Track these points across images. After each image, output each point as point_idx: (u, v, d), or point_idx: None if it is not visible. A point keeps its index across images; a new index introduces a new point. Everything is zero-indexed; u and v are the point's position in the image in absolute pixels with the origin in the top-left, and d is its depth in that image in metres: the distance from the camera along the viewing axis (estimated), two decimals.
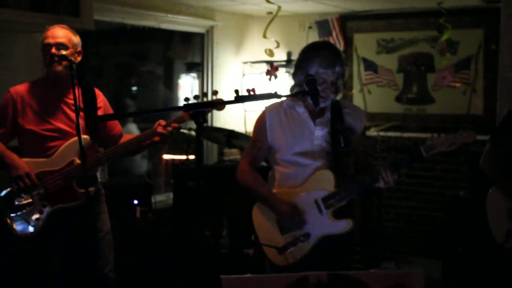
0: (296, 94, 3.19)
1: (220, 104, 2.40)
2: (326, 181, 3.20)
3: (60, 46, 3.47)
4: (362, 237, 5.82)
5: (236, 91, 2.46)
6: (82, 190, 3.48)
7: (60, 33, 3.51)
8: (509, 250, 3.81)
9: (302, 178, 3.25)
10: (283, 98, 3.31)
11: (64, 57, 3.40)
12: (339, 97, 3.32)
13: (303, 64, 3.21)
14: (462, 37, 6.23)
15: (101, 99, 3.71)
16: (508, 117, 4.02)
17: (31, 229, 3.43)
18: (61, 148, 3.50)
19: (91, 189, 3.53)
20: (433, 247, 6.17)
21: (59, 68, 3.45)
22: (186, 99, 3.22)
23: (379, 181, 3.12)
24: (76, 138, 3.48)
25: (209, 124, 6.80)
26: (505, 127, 4.01)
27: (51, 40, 3.48)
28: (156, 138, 3.53)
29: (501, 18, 5.44)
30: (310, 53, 3.22)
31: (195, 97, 3.23)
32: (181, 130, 5.86)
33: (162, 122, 3.51)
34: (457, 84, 6.35)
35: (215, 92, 3.36)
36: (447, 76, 6.36)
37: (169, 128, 3.49)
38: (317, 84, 3.09)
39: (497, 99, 5.80)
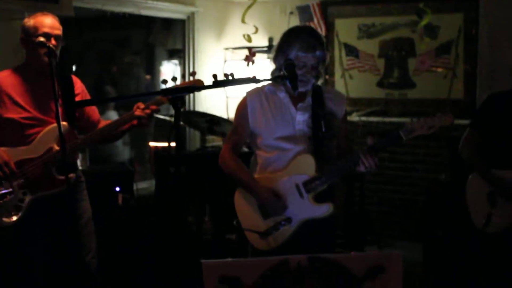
0: (274, 78, 3.20)
1: (198, 89, 2.39)
2: (307, 165, 3.21)
3: (58, 38, 3.45)
4: (345, 221, 5.85)
5: (214, 76, 2.45)
6: (62, 177, 3.47)
7: (57, 24, 3.48)
8: (488, 234, 3.85)
9: (284, 162, 3.26)
10: (265, 83, 3.31)
11: (53, 51, 3.38)
12: (320, 82, 3.33)
13: (283, 48, 3.21)
14: (442, 21, 6.24)
15: (79, 86, 3.69)
16: (487, 101, 4.05)
17: (12, 218, 3.42)
18: (40, 135, 3.48)
19: (71, 175, 3.52)
20: (415, 231, 6.22)
21: (47, 59, 3.40)
22: (164, 81, 3.21)
23: (359, 165, 3.14)
24: (53, 125, 3.46)
25: (191, 110, 6.79)
26: (485, 111, 4.04)
27: (49, 30, 3.43)
28: (134, 122, 3.50)
29: (480, 3, 5.47)
30: (290, 36, 3.23)
31: (173, 79, 3.22)
32: (164, 117, 5.87)
33: (141, 105, 3.48)
34: (438, 69, 6.38)
35: (193, 73, 3.35)
36: (426, 61, 6.39)
37: (147, 111, 3.45)
38: (297, 67, 3.10)
39: (477, 83, 5.84)
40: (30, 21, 3.46)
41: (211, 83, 2.38)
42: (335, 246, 3.80)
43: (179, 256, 4.19)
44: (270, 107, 3.30)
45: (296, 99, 3.28)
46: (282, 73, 3.04)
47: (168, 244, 5.06)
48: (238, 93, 6.37)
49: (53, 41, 3.42)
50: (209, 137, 6.81)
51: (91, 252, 3.71)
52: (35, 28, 3.43)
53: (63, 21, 3.61)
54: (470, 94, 6.14)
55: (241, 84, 2.49)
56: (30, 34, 3.44)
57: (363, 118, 6.33)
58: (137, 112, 3.45)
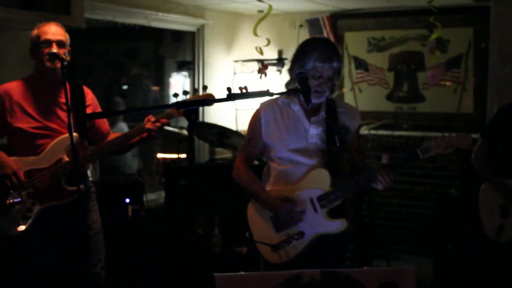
0: (288, 91, 3.18)
1: (212, 102, 2.38)
2: (322, 180, 3.19)
3: (60, 43, 3.47)
4: (353, 235, 5.83)
5: (229, 89, 2.45)
6: (71, 188, 3.47)
7: (59, 31, 3.52)
8: (500, 245, 3.85)
9: (297, 176, 3.24)
10: (278, 96, 3.30)
11: (57, 56, 3.39)
12: (334, 95, 3.31)
13: (300, 58, 3.18)
14: (452, 35, 6.25)
15: (90, 97, 3.70)
16: (498, 114, 4.06)
17: (20, 228, 3.42)
18: (49, 146, 3.49)
19: (81, 186, 3.52)
20: (424, 245, 6.20)
21: (58, 65, 3.43)
22: (175, 94, 3.22)
23: (376, 183, 3.13)
24: (63, 135, 3.48)
25: (201, 122, 6.78)
26: (496, 124, 4.05)
27: (51, 37, 3.47)
28: (144, 134, 3.50)
29: (491, 16, 5.47)
30: (308, 47, 3.19)
31: (184, 92, 3.23)
32: (172, 129, 5.87)
33: (152, 118, 3.48)
34: (448, 83, 6.38)
35: (205, 87, 3.36)
36: (436, 75, 6.38)
37: (158, 124, 3.46)
38: (314, 78, 3.09)
39: (487, 97, 5.83)
40: (34, 31, 3.52)
41: (224, 96, 2.38)
42: (345, 260, 3.77)
43: (188, 268, 4.18)
44: (283, 119, 3.28)
45: (310, 112, 3.26)
46: (295, 85, 3.03)
47: (177, 256, 5.05)
48: (248, 105, 6.37)
49: (54, 46, 3.45)
50: (218, 149, 6.81)
51: (100, 263, 3.70)
52: (38, 37, 3.49)
53: (73, 32, 3.63)
54: (479, 108, 6.14)
55: (255, 97, 2.49)
56: (34, 43, 3.50)
57: (373, 132, 6.32)
58: (148, 125, 3.46)
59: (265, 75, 5.66)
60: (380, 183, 3.10)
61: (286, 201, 3.21)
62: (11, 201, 3.42)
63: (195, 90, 3.39)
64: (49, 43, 3.46)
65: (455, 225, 5.16)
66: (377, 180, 3.10)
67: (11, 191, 3.42)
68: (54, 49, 3.43)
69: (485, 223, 3.94)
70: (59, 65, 3.41)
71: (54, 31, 3.50)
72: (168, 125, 3.51)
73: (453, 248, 5.15)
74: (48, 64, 3.46)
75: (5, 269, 3.58)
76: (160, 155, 6.28)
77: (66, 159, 3.47)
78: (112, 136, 3.70)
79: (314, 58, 3.12)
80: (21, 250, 3.51)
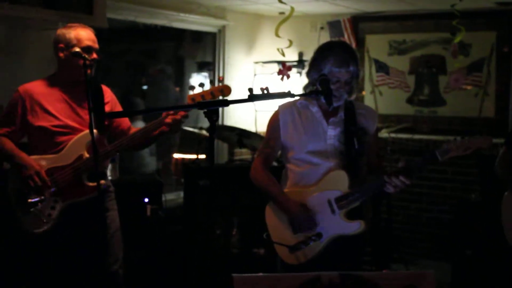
0: (309, 93, 3.19)
1: (233, 103, 2.37)
2: (340, 181, 3.20)
3: (98, 52, 3.51)
4: (371, 238, 5.80)
5: (250, 90, 2.45)
6: (92, 184, 3.48)
7: (95, 38, 3.54)
8: None
9: (315, 177, 3.25)
10: (297, 97, 3.31)
11: (93, 64, 3.44)
12: (352, 97, 3.31)
13: (317, 63, 3.21)
14: (475, 39, 6.20)
15: (108, 94, 3.72)
16: None
17: (44, 225, 3.44)
18: (70, 143, 3.51)
19: (102, 182, 3.53)
20: (442, 250, 6.15)
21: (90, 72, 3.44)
22: (191, 87, 3.22)
23: (386, 186, 3.11)
24: (83, 132, 3.50)
25: (220, 123, 6.79)
26: None
27: (92, 44, 3.50)
28: (164, 128, 3.50)
29: None
30: (324, 51, 3.23)
31: (200, 84, 3.24)
32: (192, 129, 5.88)
33: (170, 112, 3.49)
34: (469, 87, 6.33)
35: (220, 80, 3.37)
36: (459, 79, 6.33)
37: (177, 117, 3.47)
38: (331, 82, 3.09)
39: (509, 101, 5.78)
40: (70, 33, 3.49)
41: (246, 97, 2.38)
42: (362, 263, 3.77)
43: (206, 269, 4.19)
44: (302, 121, 3.29)
45: (328, 113, 3.27)
46: (316, 88, 3.03)
47: (195, 256, 5.06)
48: (267, 106, 6.37)
49: (94, 55, 3.47)
50: (237, 150, 6.81)
51: (118, 262, 3.71)
52: (78, 40, 3.47)
53: (95, 31, 3.65)
54: (501, 112, 6.08)
55: (276, 99, 2.49)
56: (72, 45, 3.47)
57: (393, 135, 6.28)
58: (167, 119, 3.45)
59: (288, 77, 5.64)
60: (389, 186, 3.09)
61: (304, 207, 3.21)
62: (35, 199, 3.44)
63: (211, 82, 3.37)
64: (90, 50, 3.47)
65: (475, 230, 5.12)
66: (385, 184, 3.09)
67: (35, 191, 3.45)
68: (95, 56, 3.47)
69: (506, 230, 3.90)
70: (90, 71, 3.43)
71: (94, 38, 3.53)
72: (187, 117, 3.50)
73: (472, 253, 5.11)
74: (87, 71, 3.44)
75: (27, 267, 3.60)
76: (177, 156, 6.29)
77: (87, 155, 3.49)
78: (133, 131, 3.71)
79: (331, 63, 3.14)
80: (43, 248, 3.52)
